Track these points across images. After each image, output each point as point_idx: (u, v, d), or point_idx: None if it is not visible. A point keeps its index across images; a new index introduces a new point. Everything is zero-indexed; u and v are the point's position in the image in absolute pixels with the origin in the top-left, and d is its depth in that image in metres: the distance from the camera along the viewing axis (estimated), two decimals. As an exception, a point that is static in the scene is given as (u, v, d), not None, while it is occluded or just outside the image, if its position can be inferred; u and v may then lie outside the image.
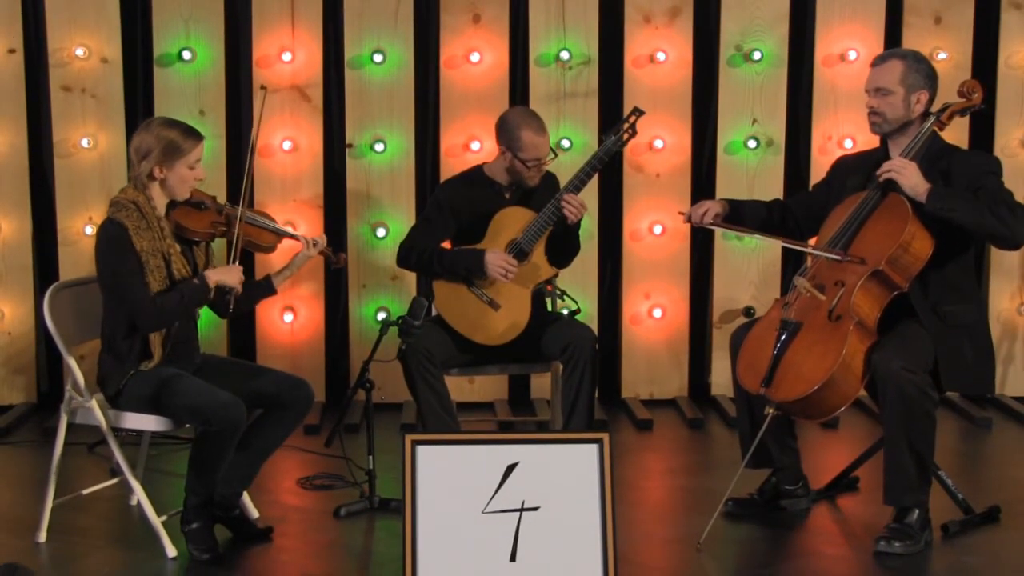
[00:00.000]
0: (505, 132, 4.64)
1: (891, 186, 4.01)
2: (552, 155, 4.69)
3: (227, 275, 3.99)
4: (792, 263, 5.80)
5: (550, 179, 4.80)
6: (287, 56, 5.66)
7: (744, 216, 4.34)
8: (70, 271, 5.63)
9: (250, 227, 4.11)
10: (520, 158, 4.61)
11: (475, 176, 4.79)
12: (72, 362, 4.02)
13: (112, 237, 3.87)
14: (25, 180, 5.69)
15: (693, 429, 5.55)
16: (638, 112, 4.66)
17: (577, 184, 4.57)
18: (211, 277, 3.95)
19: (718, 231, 4.80)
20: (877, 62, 4.14)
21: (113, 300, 3.93)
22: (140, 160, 3.92)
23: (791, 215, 4.38)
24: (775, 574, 3.84)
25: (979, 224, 3.88)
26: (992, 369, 4.12)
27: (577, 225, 4.63)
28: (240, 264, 4.02)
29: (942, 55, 5.77)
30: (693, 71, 5.81)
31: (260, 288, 4.25)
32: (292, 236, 4.24)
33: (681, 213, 4.39)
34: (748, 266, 5.88)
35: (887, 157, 4.11)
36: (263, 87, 4.26)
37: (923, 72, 4.09)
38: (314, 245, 4.20)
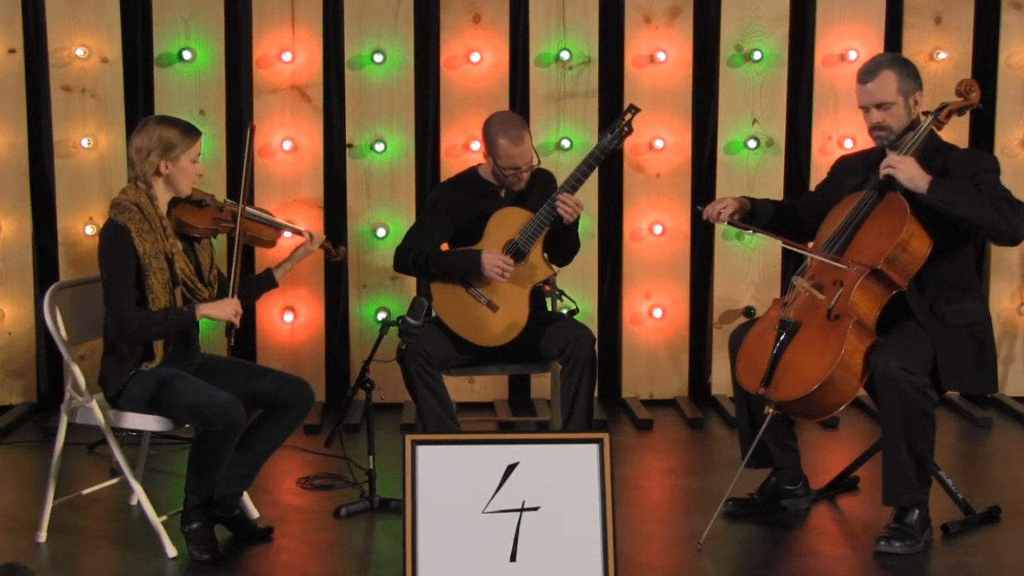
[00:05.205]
0: (487, 138, 4.64)
1: (889, 185, 4.01)
2: (537, 161, 4.67)
3: (218, 310, 3.98)
4: (792, 263, 5.79)
5: (547, 178, 4.79)
6: (287, 56, 5.66)
7: (756, 215, 4.32)
8: (70, 271, 5.63)
9: (251, 222, 4.15)
10: (498, 165, 4.61)
11: (470, 177, 4.79)
12: (72, 362, 4.02)
13: (113, 239, 3.88)
14: (25, 180, 5.69)
15: (693, 429, 5.55)
16: (634, 110, 4.66)
17: (574, 183, 4.56)
18: (200, 310, 3.96)
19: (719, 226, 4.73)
20: (867, 78, 4.08)
21: (104, 301, 3.94)
22: (144, 159, 3.93)
23: (797, 216, 4.37)
24: (775, 574, 3.85)
25: (978, 217, 3.86)
26: (993, 368, 4.11)
27: (575, 223, 4.63)
28: (236, 297, 4.02)
29: (942, 55, 5.76)
30: (693, 71, 5.81)
31: (261, 282, 4.28)
32: (293, 230, 4.28)
33: (699, 208, 4.36)
34: (748, 266, 5.88)
35: (884, 156, 4.10)
36: (252, 126, 4.29)
37: (910, 73, 4.08)
38: (314, 239, 4.25)
